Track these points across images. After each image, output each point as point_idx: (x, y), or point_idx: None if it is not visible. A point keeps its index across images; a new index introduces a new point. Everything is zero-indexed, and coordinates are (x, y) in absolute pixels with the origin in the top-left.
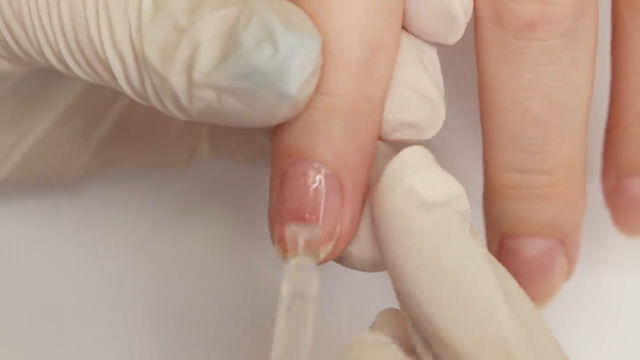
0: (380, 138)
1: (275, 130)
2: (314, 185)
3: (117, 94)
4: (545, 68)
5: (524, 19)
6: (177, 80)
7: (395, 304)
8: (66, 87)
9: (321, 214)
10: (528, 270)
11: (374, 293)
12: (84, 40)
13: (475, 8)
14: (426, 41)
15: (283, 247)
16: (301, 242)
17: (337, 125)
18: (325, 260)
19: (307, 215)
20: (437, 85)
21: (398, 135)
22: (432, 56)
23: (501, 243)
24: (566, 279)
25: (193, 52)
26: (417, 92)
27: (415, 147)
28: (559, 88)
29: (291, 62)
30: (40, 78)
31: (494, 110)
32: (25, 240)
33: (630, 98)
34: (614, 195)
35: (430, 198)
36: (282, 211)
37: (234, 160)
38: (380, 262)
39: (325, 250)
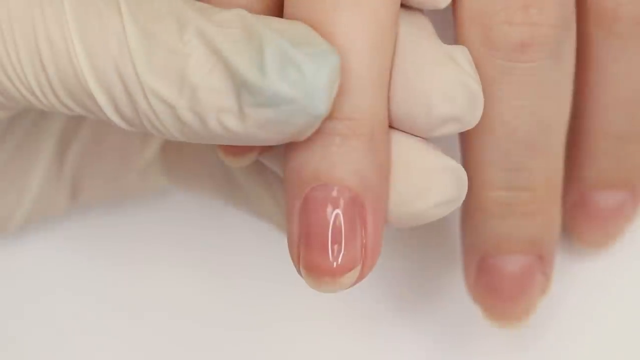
0: (423, 136)
1: (292, 156)
2: (337, 211)
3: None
4: (534, 88)
5: (515, 41)
6: (188, 109)
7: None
8: (50, 125)
9: (344, 240)
10: (509, 287)
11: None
12: (70, 83)
13: (463, 30)
14: (418, 9)
15: (308, 271)
16: None
17: (358, 149)
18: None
19: (330, 242)
20: (473, 76)
21: (443, 131)
22: (463, 52)
23: (482, 260)
24: (544, 294)
25: (203, 80)
26: (458, 85)
27: None
28: (544, 107)
29: (319, 83)
30: (24, 124)
31: (481, 129)
32: (26, 240)
33: (599, 116)
34: (577, 209)
35: None
36: (305, 237)
37: (189, 189)
38: None
39: (352, 277)
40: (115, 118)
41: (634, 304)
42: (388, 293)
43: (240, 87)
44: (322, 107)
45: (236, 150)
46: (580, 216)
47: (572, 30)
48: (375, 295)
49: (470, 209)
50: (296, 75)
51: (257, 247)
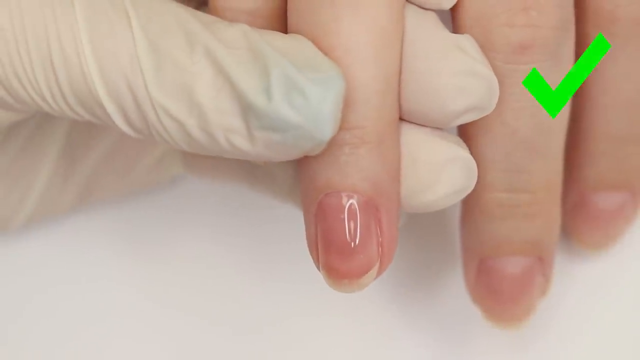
0: (440, 127)
1: (305, 165)
2: (351, 216)
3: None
4: None
5: (515, 43)
6: (197, 127)
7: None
8: (55, 129)
9: (359, 243)
10: (509, 289)
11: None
12: (80, 91)
13: (463, 33)
14: (425, 8)
15: (327, 274)
16: None
17: (367, 156)
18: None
19: (347, 246)
20: (484, 62)
21: (461, 121)
22: (469, 40)
23: (482, 262)
24: (543, 296)
25: (211, 100)
26: (470, 75)
27: None
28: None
29: (323, 109)
30: (28, 126)
31: (481, 131)
32: (29, 236)
33: (598, 117)
34: (576, 210)
35: None
36: (322, 242)
37: (209, 178)
38: None
39: (370, 276)
40: (124, 127)
41: (634, 305)
42: (389, 293)
43: (247, 109)
44: (327, 131)
45: None
46: (580, 217)
47: (571, 32)
48: (376, 295)
49: (470, 210)
50: (301, 101)
51: (264, 246)
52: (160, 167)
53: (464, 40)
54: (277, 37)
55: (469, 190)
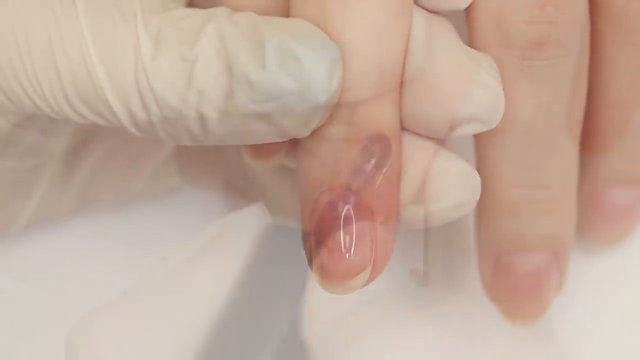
0: (442, 136)
1: (302, 161)
2: (344, 215)
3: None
4: (550, 86)
5: (532, 39)
6: (196, 113)
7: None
8: (58, 134)
9: (353, 244)
10: (525, 285)
11: None
12: (85, 90)
13: (479, 32)
14: (439, 12)
15: (319, 274)
16: None
17: (360, 155)
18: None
19: (339, 246)
20: (495, 77)
21: (463, 131)
22: (488, 60)
23: (498, 260)
24: (559, 291)
25: (209, 82)
26: (478, 85)
27: None
28: (561, 104)
29: (317, 72)
30: (32, 129)
31: (497, 127)
32: (29, 238)
33: (611, 114)
34: (590, 206)
35: None
36: (316, 241)
37: (203, 187)
38: None
39: (362, 279)
40: (129, 125)
41: None
42: (403, 291)
43: (243, 83)
44: (321, 96)
45: (263, 152)
46: (592, 214)
47: (586, 27)
48: (390, 293)
49: (485, 207)
50: (295, 66)
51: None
52: (157, 178)
53: (481, 55)
54: (277, 18)
55: (471, 207)
